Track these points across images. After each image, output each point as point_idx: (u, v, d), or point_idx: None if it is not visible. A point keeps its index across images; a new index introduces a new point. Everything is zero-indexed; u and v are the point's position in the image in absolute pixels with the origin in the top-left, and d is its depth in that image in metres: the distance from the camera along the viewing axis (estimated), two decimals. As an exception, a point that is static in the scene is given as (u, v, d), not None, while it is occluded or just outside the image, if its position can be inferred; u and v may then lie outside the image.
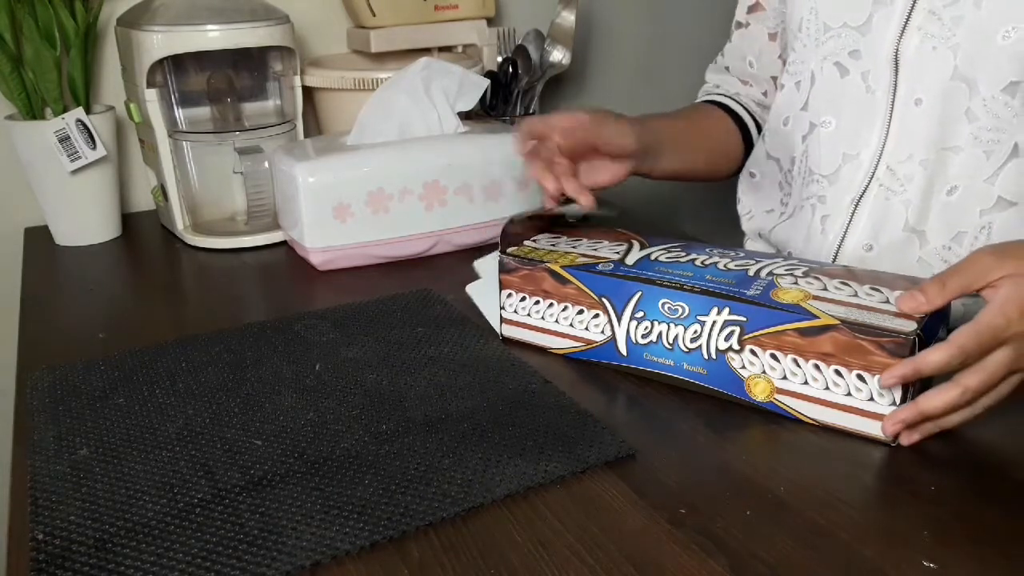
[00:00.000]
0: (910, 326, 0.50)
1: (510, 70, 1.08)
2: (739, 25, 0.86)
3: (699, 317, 0.56)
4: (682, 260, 0.62)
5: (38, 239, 0.97)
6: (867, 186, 0.69)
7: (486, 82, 0.92)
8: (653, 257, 0.63)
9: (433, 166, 0.84)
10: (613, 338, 0.61)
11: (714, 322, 0.56)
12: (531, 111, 1.10)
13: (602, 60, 1.34)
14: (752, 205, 0.84)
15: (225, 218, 0.97)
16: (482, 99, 0.94)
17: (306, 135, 1.00)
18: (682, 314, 0.57)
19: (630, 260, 0.62)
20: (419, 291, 0.77)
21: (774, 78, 0.85)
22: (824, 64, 0.71)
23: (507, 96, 1.09)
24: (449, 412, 0.56)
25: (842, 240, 0.71)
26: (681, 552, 0.44)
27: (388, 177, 0.82)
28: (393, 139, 0.86)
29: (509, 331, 0.67)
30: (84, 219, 0.95)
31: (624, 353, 0.61)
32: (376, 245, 0.84)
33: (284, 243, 0.92)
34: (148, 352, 0.66)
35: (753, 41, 0.85)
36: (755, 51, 0.85)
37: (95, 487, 0.49)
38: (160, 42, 0.86)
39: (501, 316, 0.67)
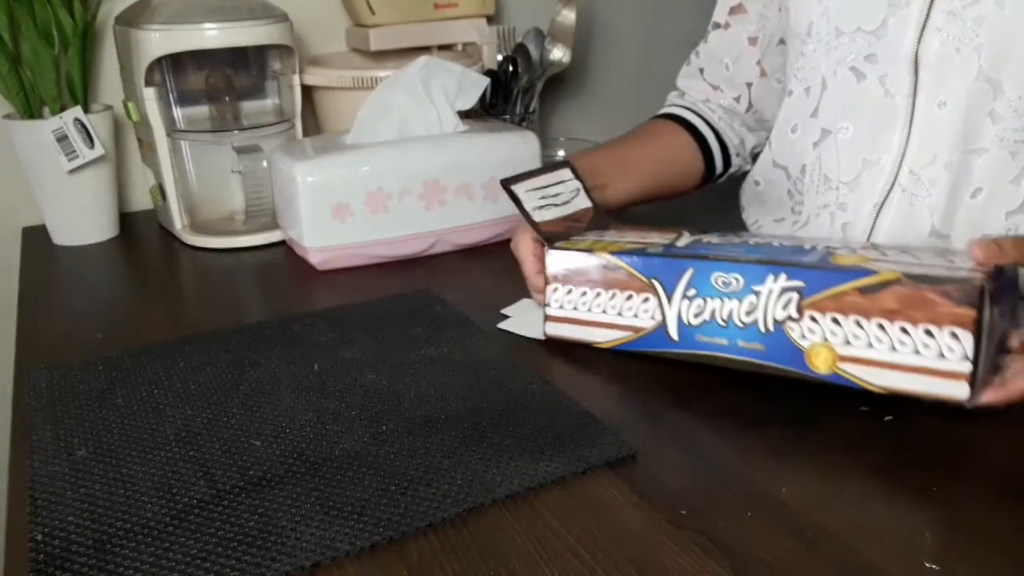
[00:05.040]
0: (977, 274, 0.48)
1: (510, 68, 1.08)
2: (717, 26, 0.85)
3: (754, 288, 0.54)
4: (734, 242, 0.60)
5: (36, 238, 0.97)
6: (889, 192, 0.68)
7: (486, 81, 0.92)
8: (705, 241, 0.61)
9: (433, 165, 0.84)
10: (663, 323, 0.59)
11: (770, 291, 0.54)
12: (531, 110, 1.10)
13: (603, 58, 1.34)
14: (759, 215, 0.83)
15: (223, 217, 0.97)
16: (482, 98, 0.93)
17: (305, 134, 0.99)
18: (736, 287, 0.55)
19: (680, 244, 0.61)
20: (418, 291, 0.77)
21: (749, 84, 0.84)
22: (838, 69, 0.69)
23: (507, 95, 1.09)
24: (449, 412, 0.56)
25: None
26: (681, 553, 0.43)
27: (387, 176, 0.82)
28: (392, 138, 0.86)
29: (553, 329, 0.65)
30: (82, 218, 0.95)
31: (675, 338, 0.58)
32: (375, 245, 0.84)
33: (283, 243, 0.91)
34: (146, 352, 0.66)
35: (731, 44, 0.83)
36: (732, 54, 0.84)
37: (94, 488, 0.49)
38: (158, 41, 0.86)
39: (546, 313, 0.65)
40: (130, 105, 0.93)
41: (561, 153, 1.15)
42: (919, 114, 0.65)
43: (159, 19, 0.85)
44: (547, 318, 0.65)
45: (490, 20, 1.13)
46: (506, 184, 0.65)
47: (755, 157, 0.90)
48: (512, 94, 1.09)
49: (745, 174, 0.90)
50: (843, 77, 0.69)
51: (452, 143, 0.87)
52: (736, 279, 0.55)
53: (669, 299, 0.58)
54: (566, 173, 0.69)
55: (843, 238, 0.71)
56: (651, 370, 0.61)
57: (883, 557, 0.43)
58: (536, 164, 0.88)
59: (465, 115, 0.91)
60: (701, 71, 0.87)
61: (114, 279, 0.88)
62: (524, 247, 0.69)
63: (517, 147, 0.88)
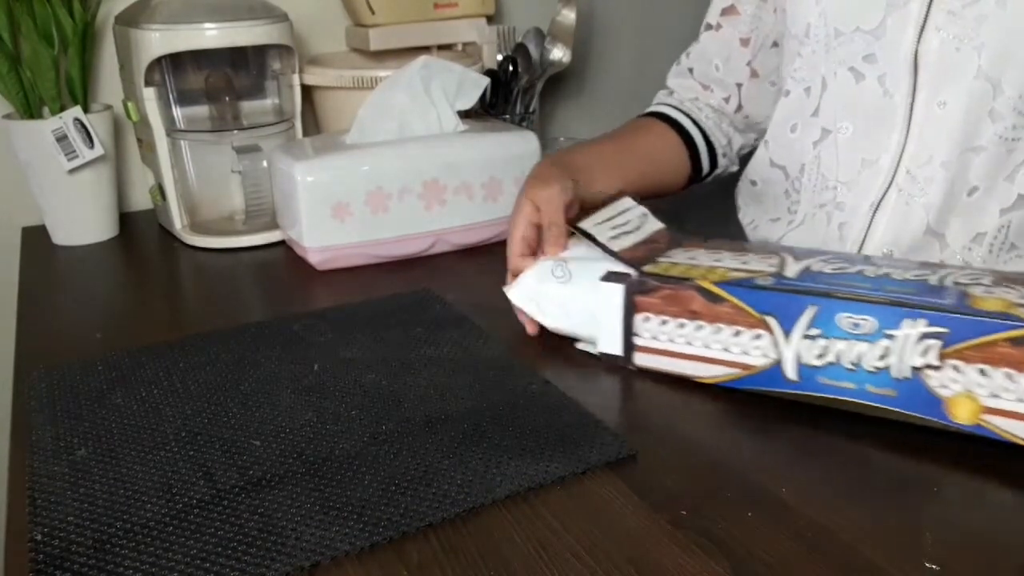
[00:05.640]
0: None
1: (510, 68, 1.08)
2: (708, 27, 0.85)
3: (888, 332, 0.50)
4: (849, 271, 0.55)
5: (36, 238, 0.97)
6: (886, 191, 0.68)
7: (486, 80, 0.92)
8: (815, 269, 0.56)
9: (432, 165, 0.84)
10: (779, 361, 0.54)
11: (907, 336, 0.49)
12: (531, 110, 1.10)
13: (603, 58, 1.34)
14: (755, 214, 0.83)
15: (223, 217, 0.97)
16: (482, 98, 0.93)
17: (305, 134, 0.99)
18: (867, 329, 0.50)
19: (790, 273, 0.56)
20: (418, 291, 0.77)
21: (739, 85, 0.84)
22: (838, 69, 0.69)
23: (507, 94, 1.09)
24: (449, 412, 0.56)
25: (861, 246, 0.70)
26: (682, 553, 0.43)
27: (387, 176, 0.82)
28: (392, 138, 0.86)
29: (643, 360, 0.60)
30: (82, 218, 0.95)
31: (794, 378, 0.53)
32: (375, 244, 0.84)
33: (282, 243, 0.91)
34: (146, 352, 0.65)
35: (723, 44, 0.83)
36: (723, 55, 0.83)
37: (93, 488, 0.49)
38: (158, 40, 0.86)
39: (634, 343, 0.60)
40: (130, 105, 0.92)
41: (561, 153, 1.15)
42: (918, 114, 0.65)
43: (159, 19, 0.85)
44: (637, 348, 0.60)
45: (490, 20, 1.13)
46: (572, 223, 0.62)
47: (743, 158, 0.90)
48: (512, 94, 1.09)
49: (732, 174, 0.91)
50: (843, 77, 0.69)
51: (452, 143, 0.87)
52: (866, 321, 0.50)
53: (787, 338, 0.53)
54: (627, 201, 0.67)
55: (840, 237, 0.71)
56: (651, 370, 0.61)
57: (883, 557, 0.43)
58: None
59: (465, 115, 0.91)
60: (690, 70, 0.87)
61: (114, 279, 0.88)
62: (518, 225, 0.67)
63: (517, 147, 0.88)
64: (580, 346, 0.65)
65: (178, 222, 0.94)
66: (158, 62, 0.87)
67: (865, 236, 0.70)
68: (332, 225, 0.81)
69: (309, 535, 0.45)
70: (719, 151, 0.87)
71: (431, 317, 0.71)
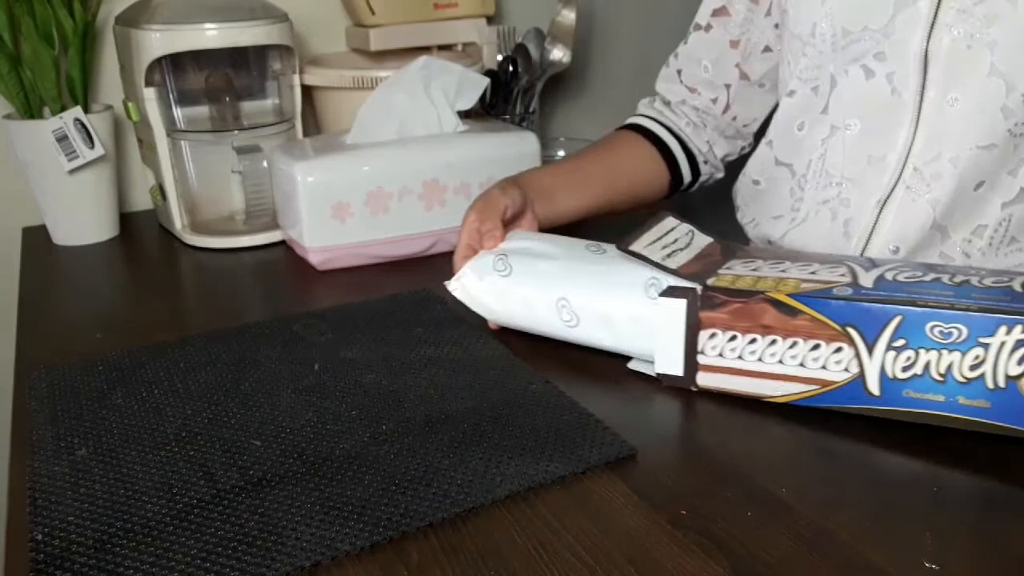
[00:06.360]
0: None
1: (510, 69, 1.08)
2: (698, 27, 0.84)
3: (981, 340, 0.48)
4: (926, 280, 0.53)
5: (36, 238, 0.97)
6: (893, 187, 0.68)
7: (486, 81, 0.92)
8: (891, 278, 0.54)
9: (432, 165, 0.84)
10: (861, 375, 0.52)
11: (1002, 343, 0.48)
12: (531, 110, 1.10)
13: (603, 58, 1.34)
14: (755, 213, 0.83)
15: (224, 217, 0.97)
16: (482, 98, 0.93)
17: (305, 134, 0.99)
18: (958, 338, 0.49)
19: (866, 282, 0.54)
20: (418, 291, 0.77)
21: (728, 86, 0.83)
22: (849, 67, 0.69)
23: (507, 95, 1.09)
24: (449, 412, 0.56)
25: (867, 242, 0.70)
26: (682, 553, 0.43)
27: (387, 176, 0.82)
28: (392, 138, 0.86)
29: (707, 380, 0.57)
30: (82, 219, 0.95)
31: (876, 393, 0.51)
32: (375, 245, 0.84)
33: (283, 243, 0.91)
34: (146, 352, 0.66)
35: (712, 46, 0.83)
36: (712, 56, 0.83)
37: (94, 487, 0.49)
38: (158, 41, 0.86)
39: (698, 363, 0.57)
40: (130, 105, 0.93)
41: (561, 153, 1.15)
42: (927, 111, 0.65)
43: (159, 19, 0.85)
44: (700, 367, 0.57)
45: (490, 20, 1.13)
46: (624, 248, 0.61)
47: (733, 163, 0.90)
48: (512, 94, 1.09)
49: (718, 181, 0.90)
50: (854, 75, 0.69)
51: (452, 143, 0.87)
52: (958, 329, 0.49)
53: (870, 350, 0.51)
54: (671, 220, 0.66)
55: (845, 233, 0.71)
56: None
57: (883, 557, 0.43)
58: (536, 164, 0.88)
59: (465, 115, 0.91)
60: (679, 73, 0.86)
61: (114, 279, 0.88)
62: (462, 233, 0.69)
63: (517, 147, 0.88)
64: (632, 365, 0.63)
65: (178, 222, 0.94)
66: (158, 62, 0.87)
67: (871, 232, 0.70)
68: (332, 225, 0.81)
69: (309, 535, 0.45)
70: (699, 159, 0.87)
71: (431, 317, 0.71)
